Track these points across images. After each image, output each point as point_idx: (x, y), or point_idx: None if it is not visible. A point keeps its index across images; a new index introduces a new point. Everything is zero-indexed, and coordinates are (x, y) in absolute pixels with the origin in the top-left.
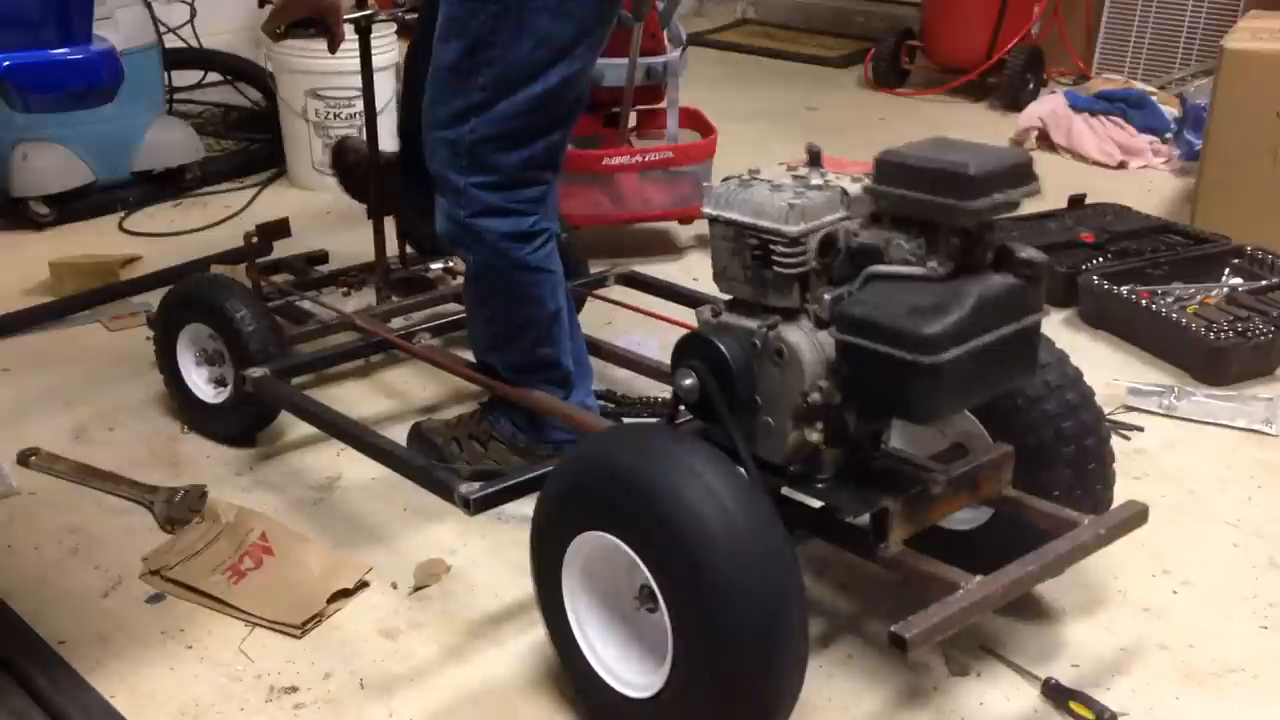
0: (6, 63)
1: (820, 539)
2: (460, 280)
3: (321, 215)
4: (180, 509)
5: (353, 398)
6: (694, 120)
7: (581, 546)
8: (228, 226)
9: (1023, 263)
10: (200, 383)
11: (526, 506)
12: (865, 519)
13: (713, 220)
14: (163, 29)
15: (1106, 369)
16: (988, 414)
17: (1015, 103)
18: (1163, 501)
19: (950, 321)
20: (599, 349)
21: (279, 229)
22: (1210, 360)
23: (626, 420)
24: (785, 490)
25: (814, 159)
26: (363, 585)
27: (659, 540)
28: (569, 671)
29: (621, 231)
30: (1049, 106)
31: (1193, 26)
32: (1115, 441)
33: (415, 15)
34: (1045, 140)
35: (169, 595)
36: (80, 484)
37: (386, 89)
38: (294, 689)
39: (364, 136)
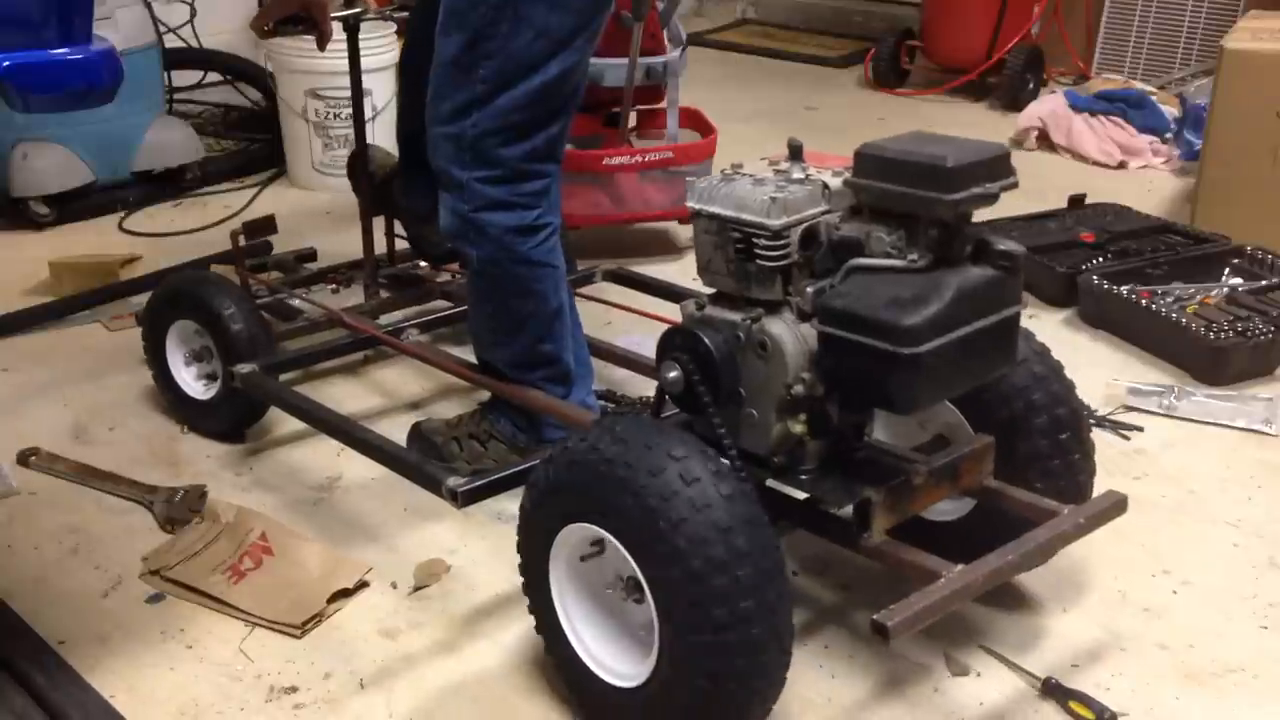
0: (6, 63)
1: (804, 530)
2: (447, 278)
3: (321, 215)
4: (180, 509)
5: (342, 394)
6: (694, 120)
7: (568, 538)
8: (227, 226)
9: (1001, 254)
10: (189, 379)
11: None
12: (848, 510)
13: (696, 214)
14: (163, 29)
15: (1106, 369)
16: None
17: (1015, 103)
18: (1163, 501)
19: (930, 313)
20: (598, 349)
21: (265, 226)
22: (1210, 360)
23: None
24: (769, 482)
25: (795, 153)
26: (362, 585)
27: (643, 532)
28: (556, 661)
29: (621, 231)
30: (1049, 106)
31: (1193, 26)
32: (1115, 441)
33: (405, 14)
34: (1045, 140)
35: (169, 595)
36: (80, 484)
37: (387, 89)
38: (294, 689)
39: (355, 137)
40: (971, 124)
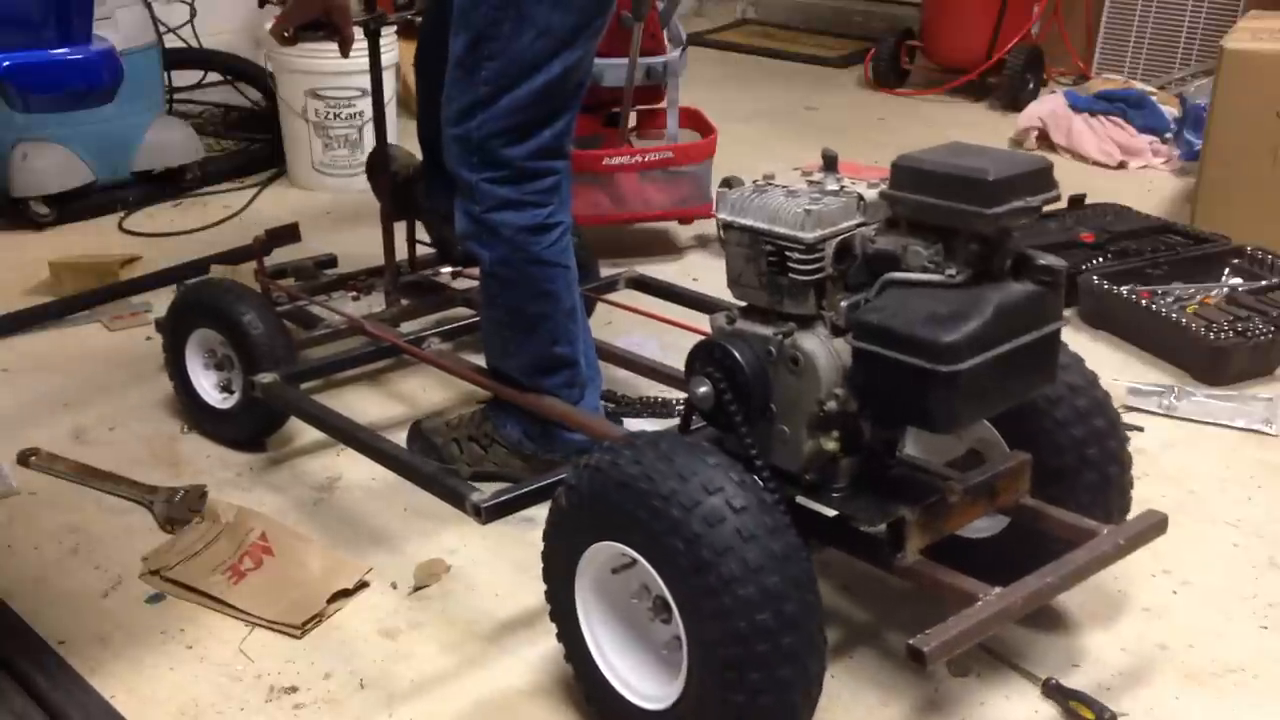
0: (6, 63)
1: (835, 548)
2: (468, 284)
3: (321, 215)
4: (180, 509)
5: (361, 403)
6: (694, 120)
7: (595, 557)
8: (228, 227)
9: (1042, 269)
10: (209, 387)
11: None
12: (881, 528)
13: (727, 226)
14: (163, 29)
15: (1106, 369)
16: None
17: (1015, 103)
18: (1163, 501)
19: (969, 329)
20: (599, 350)
21: (288, 234)
22: (1210, 360)
23: (627, 421)
24: (800, 499)
25: (830, 164)
26: (363, 585)
27: (672, 551)
28: (582, 681)
29: (621, 231)
30: (1049, 106)
31: (1193, 26)
32: None
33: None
34: (1045, 140)
35: (169, 595)
36: (80, 484)
37: (388, 89)
38: (294, 689)
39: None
40: (971, 124)
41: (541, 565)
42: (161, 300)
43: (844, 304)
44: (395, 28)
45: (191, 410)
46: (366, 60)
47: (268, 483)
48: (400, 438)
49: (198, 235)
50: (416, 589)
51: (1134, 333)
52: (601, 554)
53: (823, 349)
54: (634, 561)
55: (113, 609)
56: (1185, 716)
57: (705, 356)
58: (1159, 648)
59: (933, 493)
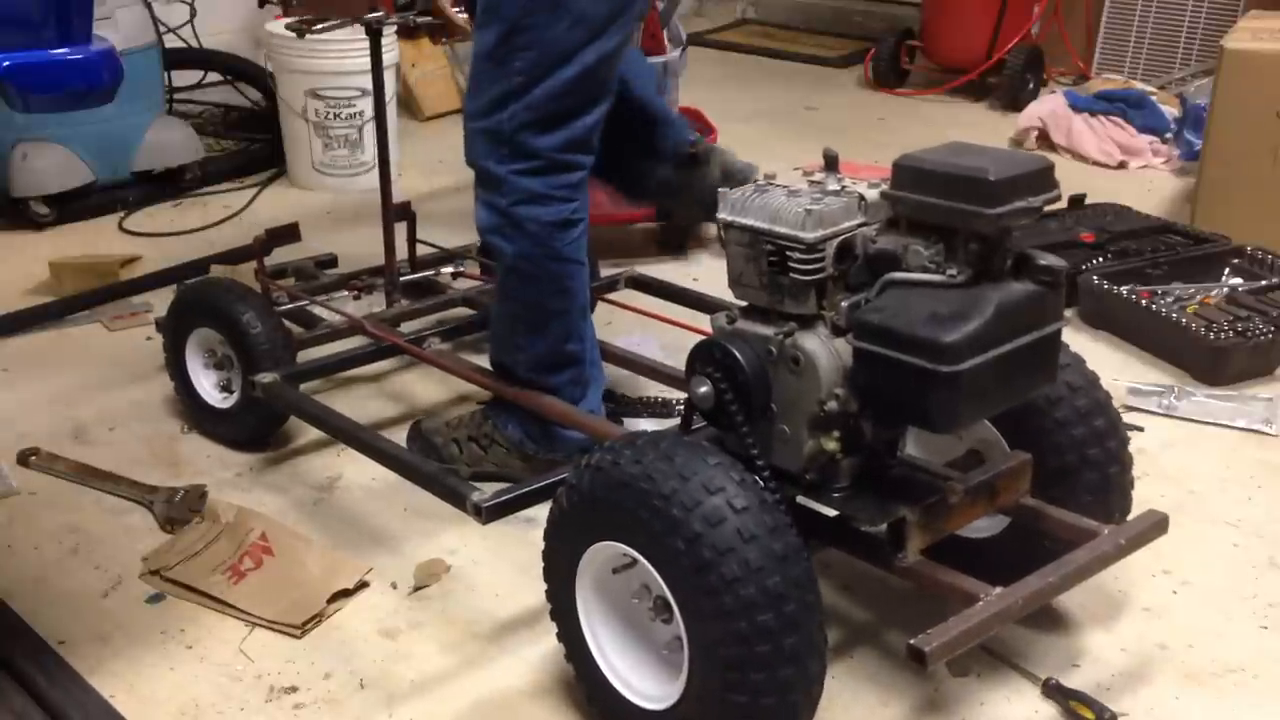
0: (6, 63)
1: (836, 548)
2: (468, 284)
3: (321, 215)
4: (180, 509)
5: (362, 402)
6: (694, 120)
7: (595, 556)
8: (228, 227)
9: (1043, 269)
10: (209, 387)
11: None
12: (882, 528)
13: (728, 226)
14: (163, 29)
15: (1106, 369)
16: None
17: (1015, 103)
18: (1162, 501)
19: (970, 329)
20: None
21: (288, 233)
22: (1210, 360)
23: (627, 420)
24: (801, 499)
25: (831, 164)
26: (363, 585)
27: (673, 551)
28: (583, 681)
29: (621, 231)
30: (1049, 106)
31: (1193, 26)
32: None
33: (424, 19)
34: (1045, 140)
35: (169, 595)
36: (80, 484)
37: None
38: (294, 689)
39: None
40: (971, 124)
41: (542, 565)
42: (161, 300)
43: (845, 304)
44: (395, 28)
45: (191, 410)
46: (367, 60)
47: (268, 483)
48: (400, 438)
49: (198, 235)
50: (416, 589)
51: (1134, 333)
52: (602, 554)
53: (823, 349)
54: (635, 561)
55: (113, 609)
56: (1185, 716)
57: (706, 356)
58: (1159, 648)
59: (933, 493)
